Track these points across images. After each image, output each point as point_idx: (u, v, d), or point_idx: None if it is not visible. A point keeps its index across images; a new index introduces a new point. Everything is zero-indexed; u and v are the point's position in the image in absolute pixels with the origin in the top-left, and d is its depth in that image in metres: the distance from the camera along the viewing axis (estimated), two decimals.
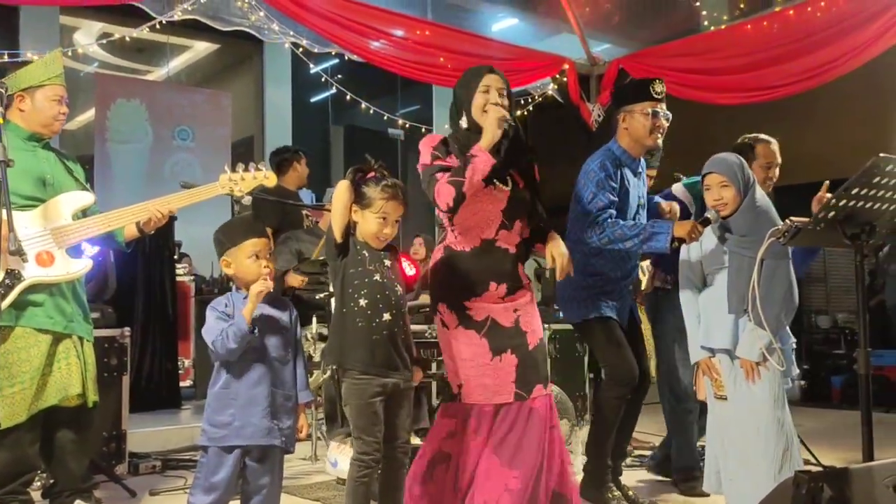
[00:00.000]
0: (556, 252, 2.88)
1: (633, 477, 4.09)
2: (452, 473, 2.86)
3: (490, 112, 2.78)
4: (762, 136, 3.86)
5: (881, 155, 2.39)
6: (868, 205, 2.48)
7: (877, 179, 2.43)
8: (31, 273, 2.97)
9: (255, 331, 2.56)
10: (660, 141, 3.50)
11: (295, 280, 4.48)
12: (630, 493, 3.56)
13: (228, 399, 2.58)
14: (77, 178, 3.28)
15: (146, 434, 4.77)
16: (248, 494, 2.64)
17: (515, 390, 2.82)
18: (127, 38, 6.01)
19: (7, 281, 2.85)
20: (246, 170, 3.07)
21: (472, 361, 2.82)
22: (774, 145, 3.85)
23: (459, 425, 2.85)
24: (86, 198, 3.22)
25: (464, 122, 2.89)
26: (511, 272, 2.90)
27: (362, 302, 2.70)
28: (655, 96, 3.43)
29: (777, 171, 3.85)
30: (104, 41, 7.06)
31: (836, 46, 5.22)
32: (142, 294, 5.75)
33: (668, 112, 3.47)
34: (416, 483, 2.85)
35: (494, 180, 2.81)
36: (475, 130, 2.83)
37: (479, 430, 2.82)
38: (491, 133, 2.73)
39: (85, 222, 3.14)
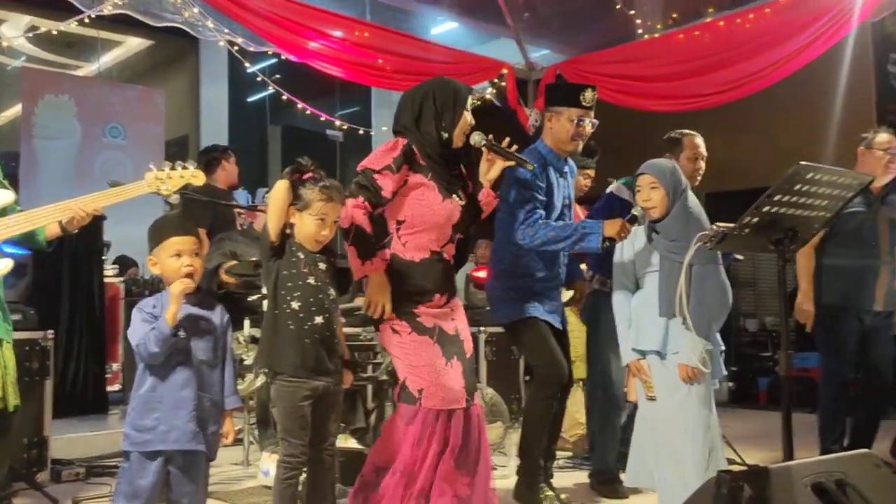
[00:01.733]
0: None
1: (568, 479, 4.13)
2: (405, 480, 2.81)
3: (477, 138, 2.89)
4: (688, 130, 3.96)
5: (802, 163, 2.46)
6: (790, 211, 2.56)
7: (798, 186, 2.50)
8: None
9: (180, 333, 2.49)
10: (579, 148, 3.55)
11: (229, 277, 4.38)
12: (563, 496, 3.59)
13: (154, 403, 2.51)
14: None
15: (70, 440, 4.62)
16: (172, 502, 2.57)
17: (465, 396, 2.86)
18: (55, 32, 5.83)
19: None
20: (173, 168, 2.99)
21: (429, 366, 2.83)
22: (700, 139, 3.97)
23: (420, 431, 2.83)
24: (5, 196, 3.07)
25: (439, 132, 2.88)
26: (451, 282, 2.98)
27: (294, 304, 2.67)
28: (584, 104, 3.46)
29: (703, 164, 3.95)
30: (32, 34, 6.84)
31: (763, 57, 5.37)
32: (67, 295, 5.57)
33: (595, 120, 3.50)
34: (368, 490, 2.84)
35: (451, 192, 2.88)
36: (447, 145, 2.89)
37: (437, 436, 2.83)
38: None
39: (3, 221, 3.01)
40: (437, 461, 2.81)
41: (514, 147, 2.93)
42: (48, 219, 3.01)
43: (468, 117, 2.90)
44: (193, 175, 3.03)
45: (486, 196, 2.98)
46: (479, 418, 2.90)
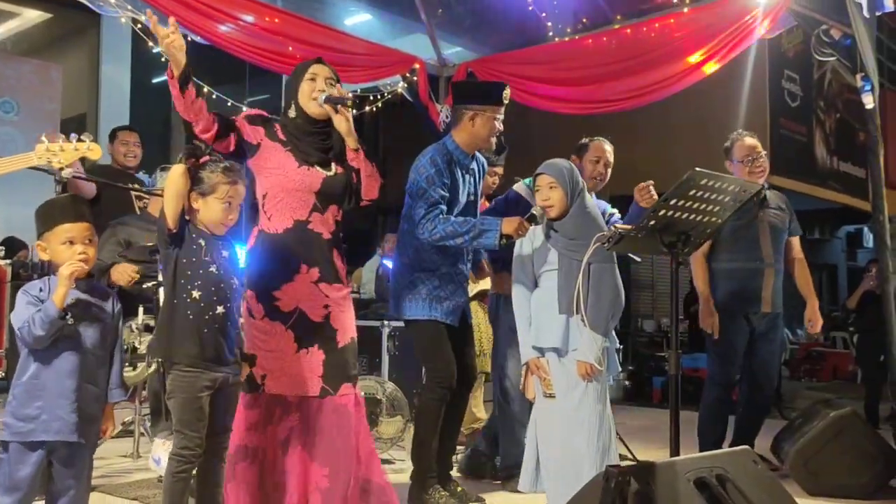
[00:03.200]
0: None
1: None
2: (258, 468, 2.82)
3: (321, 98, 2.84)
4: (599, 137, 4.09)
5: (696, 169, 2.56)
6: (684, 215, 2.65)
7: (692, 192, 2.60)
8: None
9: (68, 317, 2.39)
10: (493, 144, 3.61)
11: (122, 277, 4.20)
12: (459, 489, 3.62)
13: (36, 391, 2.39)
14: None
15: None
16: (53, 495, 2.46)
17: (322, 385, 2.82)
18: None
19: None
20: (67, 140, 2.85)
21: (276, 353, 2.81)
22: (607, 144, 4.10)
23: (263, 416, 2.83)
24: None
25: (292, 112, 2.91)
26: (324, 258, 2.89)
27: (195, 294, 2.60)
28: (505, 102, 3.52)
29: (607, 169, 4.08)
30: None
31: (667, 66, 5.53)
32: None
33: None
34: (226, 481, 2.79)
35: (310, 162, 2.86)
36: (303, 118, 2.89)
37: (284, 420, 2.83)
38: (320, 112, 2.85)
39: None
40: (286, 447, 2.82)
41: (346, 94, 2.89)
42: None
43: (312, 85, 2.89)
44: (89, 148, 2.90)
45: (351, 158, 2.93)
46: (346, 408, 2.84)
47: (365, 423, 2.94)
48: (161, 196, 4.07)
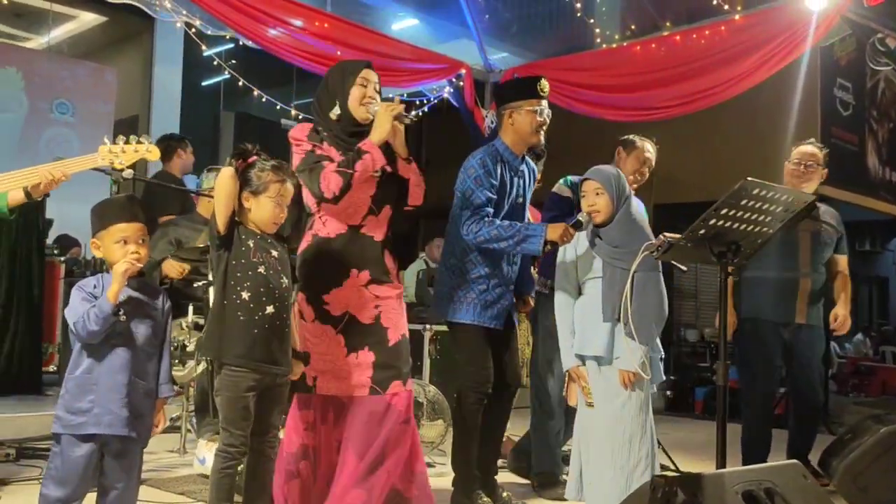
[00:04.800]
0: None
1: (507, 478, 4.16)
2: (312, 467, 2.88)
3: (384, 109, 2.83)
4: (647, 138, 4.07)
5: (748, 179, 2.53)
6: (735, 225, 2.62)
7: (744, 202, 2.57)
8: None
9: (121, 313, 2.44)
10: (542, 138, 3.59)
11: (173, 270, 4.31)
12: (505, 494, 3.61)
13: (89, 385, 2.44)
14: None
15: (2, 420, 4.51)
16: (104, 488, 2.51)
17: (371, 385, 2.85)
18: (5, 2, 5.67)
19: None
20: (127, 142, 2.94)
21: (326, 356, 2.86)
22: (652, 146, 4.07)
23: (317, 416, 2.90)
24: None
25: (335, 113, 2.91)
26: (375, 259, 2.93)
27: (245, 295, 2.63)
28: (541, 94, 3.49)
29: (647, 171, 4.04)
30: None
31: (717, 73, 5.48)
32: (5, 273, 5.42)
33: (549, 110, 3.54)
34: (283, 478, 2.85)
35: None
36: (348, 121, 2.90)
37: (337, 421, 2.88)
38: (385, 130, 2.81)
39: None
40: (336, 445, 2.87)
41: (402, 106, 2.90)
42: (9, 184, 2.94)
43: (362, 90, 2.89)
44: (148, 150, 2.99)
45: (402, 169, 2.95)
46: (394, 407, 2.86)
47: (414, 429, 2.95)
48: (208, 196, 4.16)
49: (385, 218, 2.97)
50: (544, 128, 3.54)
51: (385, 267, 2.96)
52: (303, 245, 2.99)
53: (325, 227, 2.92)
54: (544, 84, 3.52)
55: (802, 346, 4.21)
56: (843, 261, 4.34)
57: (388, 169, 2.93)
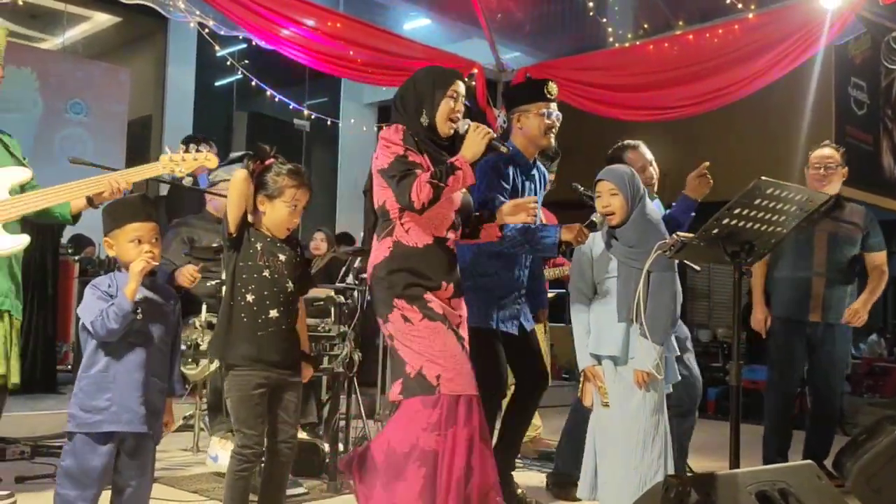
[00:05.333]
0: None
1: (521, 478, 4.15)
2: (428, 470, 2.68)
3: (477, 131, 2.78)
4: (633, 141, 3.97)
5: (762, 178, 2.52)
6: (748, 225, 2.61)
7: (757, 201, 2.56)
8: None
9: (138, 312, 2.46)
10: (553, 141, 3.58)
11: (186, 279, 4.29)
12: (520, 491, 3.61)
13: (106, 383, 2.45)
14: (14, 153, 3.19)
15: (16, 418, 4.53)
16: (119, 485, 2.52)
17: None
18: (21, 2, 5.70)
19: None
20: (187, 151, 3.03)
21: (447, 351, 2.75)
22: (643, 148, 3.95)
23: (445, 417, 2.70)
24: (24, 174, 3.13)
25: (424, 119, 2.85)
26: (456, 273, 2.91)
27: (249, 297, 2.64)
28: (549, 97, 3.50)
29: (653, 173, 3.96)
30: None
31: (731, 73, 5.46)
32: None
33: (559, 112, 3.54)
34: (386, 479, 2.71)
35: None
36: (432, 131, 2.85)
37: (469, 420, 2.72)
38: (477, 151, 2.76)
39: (22, 198, 3.04)
40: (469, 447, 2.70)
41: (490, 134, 2.84)
42: (73, 195, 3.04)
43: (451, 104, 2.85)
44: (207, 158, 3.08)
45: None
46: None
47: None
48: (219, 195, 4.17)
49: (458, 234, 2.95)
50: (554, 130, 3.53)
51: (460, 281, 2.93)
52: (382, 251, 2.86)
53: (409, 235, 2.83)
54: (552, 87, 3.52)
55: (823, 346, 4.23)
56: (876, 257, 4.34)
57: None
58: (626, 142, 3.96)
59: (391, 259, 2.82)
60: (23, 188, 3.12)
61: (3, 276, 3.07)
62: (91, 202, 3.08)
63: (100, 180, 3.00)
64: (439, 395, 2.71)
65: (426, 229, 2.82)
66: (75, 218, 3.22)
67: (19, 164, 3.17)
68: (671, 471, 3.07)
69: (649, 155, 3.96)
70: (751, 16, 5.40)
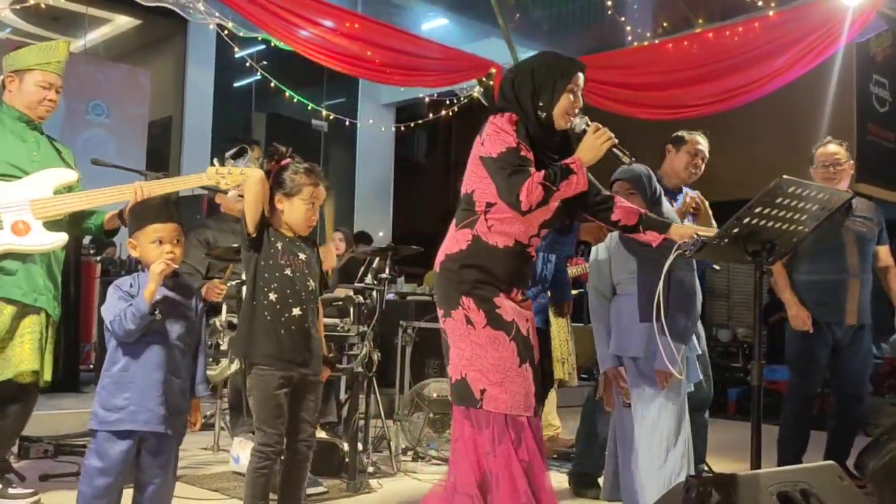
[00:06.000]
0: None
1: (553, 479, 4.15)
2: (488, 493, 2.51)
3: (597, 135, 2.57)
4: (697, 131, 3.99)
5: (784, 177, 2.49)
6: (769, 224, 2.59)
7: (779, 200, 2.54)
8: (5, 240, 3.02)
9: (156, 313, 2.48)
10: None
11: (213, 294, 4.29)
12: None
13: (125, 382, 2.47)
14: (65, 160, 3.32)
15: (40, 417, 4.56)
16: (141, 484, 2.54)
17: (536, 404, 2.60)
18: (43, 5, 5.77)
19: None
20: (234, 165, 3.12)
21: (499, 366, 2.54)
22: (703, 138, 3.96)
23: (495, 437, 2.52)
24: (70, 175, 3.26)
25: (542, 112, 2.63)
26: (529, 278, 2.78)
27: (272, 296, 2.67)
28: None
29: (701, 162, 3.95)
30: (17, 6, 6.76)
31: (751, 71, 5.42)
32: None
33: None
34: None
35: None
36: (546, 124, 2.64)
37: (515, 442, 2.51)
38: (594, 155, 2.57)
39: (65, 197, 3.17)
40: (525, 470, 2.49)
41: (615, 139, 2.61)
42: (108, 198, 3.17)
43: (571, 98, 2.62)
44: (253, 175, 3.15)
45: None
46: (540, 431, 2.64)
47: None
48: (224, 192, 4.19)
49: (541, 238, 2.74)
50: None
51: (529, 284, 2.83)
52: (458, 243, 2.65)
53: (491, 233, 2.61)
54: None
55: (851, 347, 4.17)
56: (883, 252, 4.29)
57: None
58: (682, 132, 3.95)
59: (467, 253, 2.61)
60: (69, 190, 3.23)
61: (41, 275, 3.16)
62: (122, 218, 3.17)
63: (132, 187, 3.11)
64: (481, 411, 2.53)
65: (511, 231, 2.61)
66: (108, 233, 3.34)
67: (67, 168, 3.29)
68: (693, 471, 3.06)
69: (704, 147, 3.95)
70: (771, 13, 5.36)
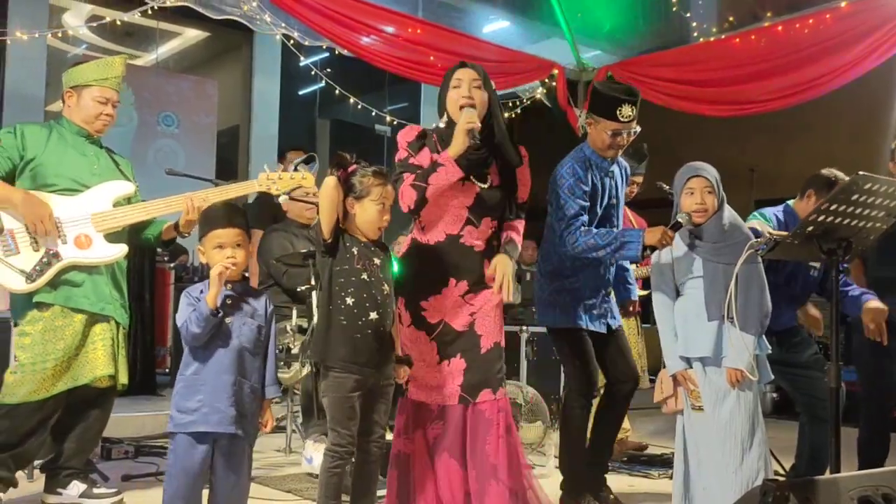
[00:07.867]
0: (499, 269, 2.93)
1: (624, 482, 4.13)
2: (400, 473, 2.98)
3: (461, 120, 2.84)
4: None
5: (860, 173, 2.43)
6: (845, 221, 2.53)
7: (855, 197, 2.48)
8: (69, 254, 3.13)
9: (220, 315, 2.54)
10: (619, 154, 3.48)
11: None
12: (612, 496, 3.57)
13: (197, 385, 2.56)
14: (124, 172, 3.44)
15: (120, 419, 4.72)
16: (215, 485, 2.62)
17: (461, 393, 2.89)
18: (118, 22, 5.96)
19: (45, 260, 3.07)
20: (284, 170, 3.20)
21: (418, 361, 2.92)
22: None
23: (409, 421, 2.97)
24: (128, 187, 3.37)
25: (443, 121, 2.98)
26: (474, 269, 2.96)
27: (349, 301, 2.70)
28: (621, 119, 3.33)
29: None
30: (94, 24, 6.99)
31: (822, 64, 5.28)
32: None
33: (636, 128, 3.39)
34: (390, 479, 2.97)
35: (465, 175, 2.87)
36: (454, 127, 2.90)
37: (430, 426, 2.95)
38: (459, 143, 2.83)
39: (124, 209, 3.29)
40: (428, 451, 2.93)
41: (475, 123, 2.84)
42: (164, 209, 3.28)
43: (458, 92, 2.92)
44: (304, 178, 3.24)
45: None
46: (483, 414, 2.89)
47: (512, 426, 2.96)
48: (309, 203, 4.27)
49: (488, 229, 2.98)
50: (619, 148, 3.43)
51: (483, 277, 2.97)
52: (403, 248, 3.06)
53: (424, 233, 2.97)
54: (626, 110, 3.32)
55: None
56: None
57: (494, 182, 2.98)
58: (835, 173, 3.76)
59: (405, 257, 3.01)
60: (128, 202, 3.33)
61: (106, 284, 3.25)
62: (178, 229, 3.26)
63: (186, 196, 3.22)
64: (406, 399, 2.96)
65: (439, 227, 2.93)
66: (166, 243, 3.44)
67: (126, 180, 3.39)
68: (769, 476, 2.99)
69: None
70: (843, 4, 5.20)
